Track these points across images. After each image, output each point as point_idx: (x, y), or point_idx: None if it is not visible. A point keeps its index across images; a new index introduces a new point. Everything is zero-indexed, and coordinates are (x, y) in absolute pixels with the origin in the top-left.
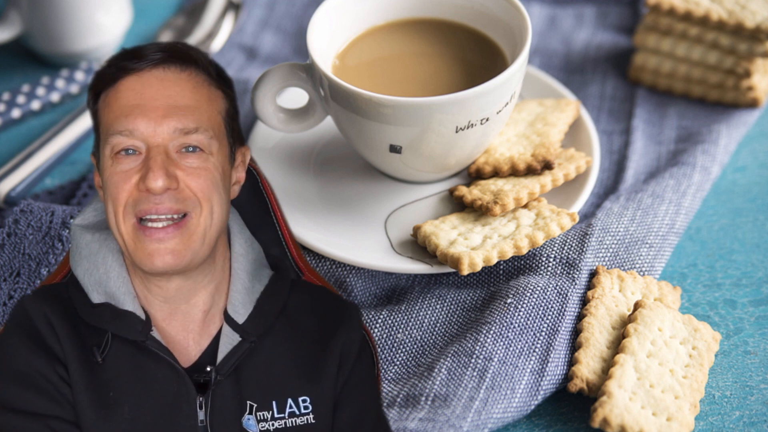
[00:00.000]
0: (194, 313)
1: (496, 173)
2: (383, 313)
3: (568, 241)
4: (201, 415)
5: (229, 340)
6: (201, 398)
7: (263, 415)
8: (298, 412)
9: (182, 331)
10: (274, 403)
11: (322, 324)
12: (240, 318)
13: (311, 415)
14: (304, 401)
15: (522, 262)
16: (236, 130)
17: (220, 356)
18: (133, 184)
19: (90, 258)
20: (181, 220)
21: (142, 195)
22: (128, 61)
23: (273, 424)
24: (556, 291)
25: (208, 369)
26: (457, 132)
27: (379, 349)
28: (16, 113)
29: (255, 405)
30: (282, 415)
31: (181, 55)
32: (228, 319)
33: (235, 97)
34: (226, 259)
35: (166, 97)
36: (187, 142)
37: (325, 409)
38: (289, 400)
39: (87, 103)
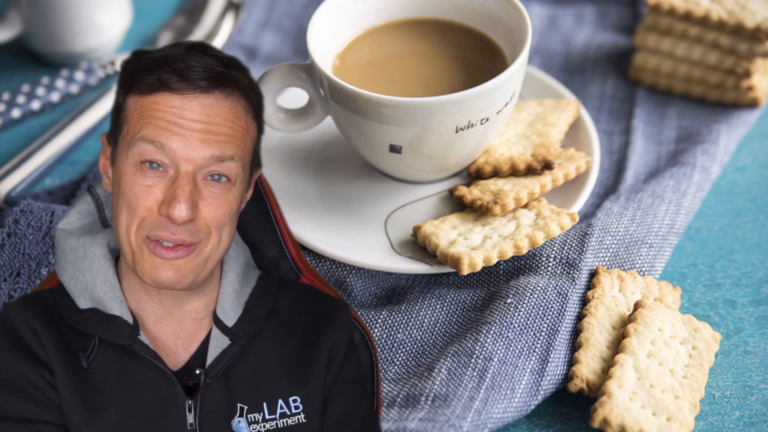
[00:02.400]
0: (186, 320)
1: (496, 173)
2: (383, 313)
3: (568, 241)
4: (190, 418)
5: (219, 343)
6: (190, 401)
7: (254, 417)
8: (289, 413)
9: (172, 336)
10: (264, 404)
11: (309, 323)
12: (229, 321)
13: (302, 415)
14: (294, 401)
15: (522, 262)
16: (257, 154)
17: (210, 359)
18: (154, 202)
19: (75, 264)
20: (190, 245)
21: (162, 221)
22: (173, 77)
23: (264, 426)
24: (556, 291)
25: (198, 372)
26: (457, 132)
27: (379, 349)
28: (16, 113)
29: (246, 407)
30: (273, 416)
31: (227, 81)
32: (217, 322)
33: (262, 116)
34: (219, 270)
35: (206, 123)
36: (218, 170)
37: (315, 408)
38: (280, 401)
39: (116, 94)
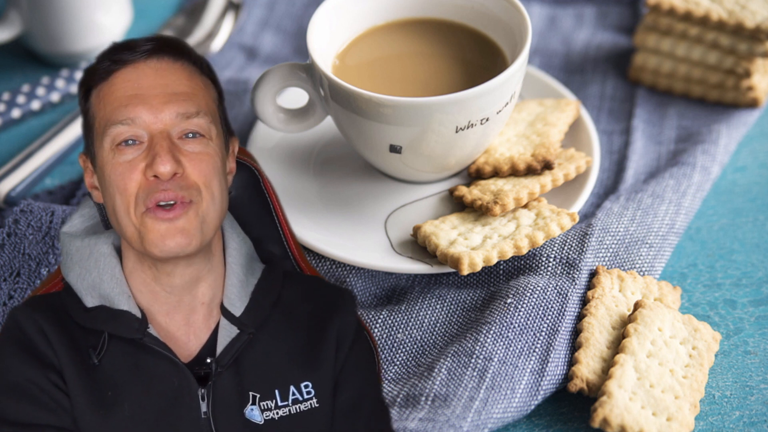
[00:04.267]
0: (196, 306)
1: (496, 173)
2: (383, 313)
3: (568, 241)
4: (204, 406)
5: (227, 332)
6: (202, 390)
7: (267, 404)
8: (301, 398)
9: (184, 325)
10: (276, 391)
11: (316, 310)
12: (236, 311)
13: (314, 400)
14: (306, 387)
15: (522, 262)
16: (227, 121)
17: (219, 348)
18: (140, 172)
19: (81, 263)
20: (187, 203)
21: (151, 183)
22: (121, 53)
23: (278, 413)
24: (556, 291)
25: (208, 361)
26: (457, 132)
27: (379, 349)
28: (16, 113)
29: (258, 395)
30: (286, 403)
31: (173, 46)
32: (225, 312)
33: (219, 84)
34: (221, 253)
35: (163, 86)
36: (188, 127)
37: (327, 392)
38: (292, 387)
39: (78, 102)
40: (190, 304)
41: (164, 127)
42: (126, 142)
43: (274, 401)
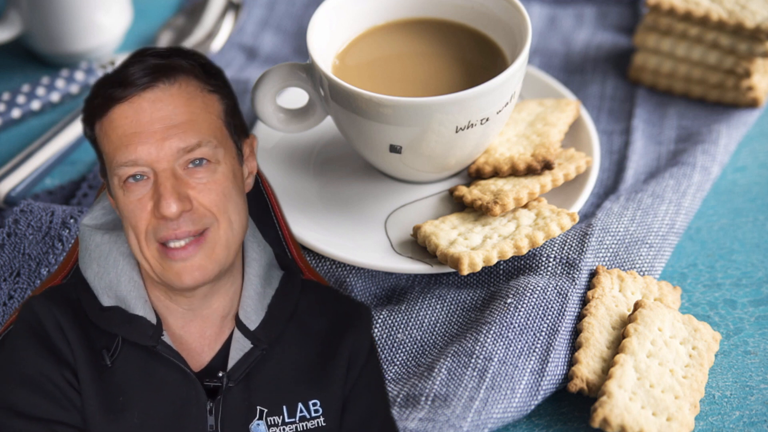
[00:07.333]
0: (213, 318)
1: (496, 173)
2: (383, 313)
3: (568, 241)
4: (211, 420)
5: (241, 346)
6: (211, 403)
7: (274, 420)
8: (308, 416)
9: (199, 337)
10: (284, 407)
11: (331, 326)
12: (252, 324)
13: (321, 419)
14: (314, 404)
15: (522, 262)
16: (238, 124)
17: (231, 362)
18: (149, 211)
19: (100, 261)
20: (201, 236)
21: (160, 222)
22: (114, 89)
23: (284, 429)
24: (556, 291)
25: (220, 375)
26: (457, 132)
27: (379, 349)
28: (16, 113)
29: (265, 410)
30: (293, 420)
31: (167, 69)
32: (240, 325)
33: (229, 89)
34: (240, 263)
35: (161, 120)
36: (192, 157)
37: (334, 411)
38: (300, 405)
39: (84, 133)
40: (207, 317)
41: (167, 165)
42: (134, 177)
43: (281, 417)
